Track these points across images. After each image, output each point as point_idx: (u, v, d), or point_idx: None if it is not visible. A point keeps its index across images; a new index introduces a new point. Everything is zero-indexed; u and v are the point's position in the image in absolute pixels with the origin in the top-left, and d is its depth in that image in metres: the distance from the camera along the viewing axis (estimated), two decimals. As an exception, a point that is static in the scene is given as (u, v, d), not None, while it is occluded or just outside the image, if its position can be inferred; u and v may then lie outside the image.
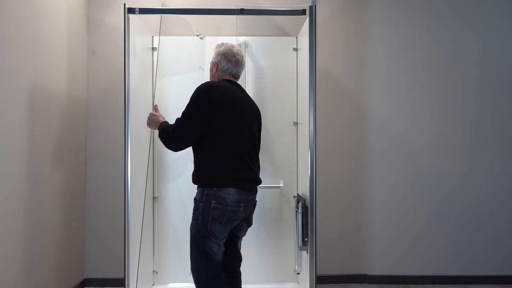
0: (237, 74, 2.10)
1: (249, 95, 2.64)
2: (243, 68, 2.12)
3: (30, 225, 2.29)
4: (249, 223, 2.10)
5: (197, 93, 1.90)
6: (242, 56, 2.10)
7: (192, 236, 1.92)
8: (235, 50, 2.07)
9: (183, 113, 1.92)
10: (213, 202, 1.86)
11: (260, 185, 3.04)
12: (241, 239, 2.14)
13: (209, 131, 1.88)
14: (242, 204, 1.91)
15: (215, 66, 2.09)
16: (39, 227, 2.38)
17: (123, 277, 2.37)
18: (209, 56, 2.58)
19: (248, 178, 1.93)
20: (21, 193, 2.20)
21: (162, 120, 2.08)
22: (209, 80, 2.12)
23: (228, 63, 2.05)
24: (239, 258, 2.15)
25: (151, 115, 2.12)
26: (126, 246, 2.37)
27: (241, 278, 2.17)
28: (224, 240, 1.96)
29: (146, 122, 2.16)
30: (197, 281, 1.93)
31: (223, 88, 1.92)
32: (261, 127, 2.17)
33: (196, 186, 1.97)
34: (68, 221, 2.75)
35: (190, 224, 1.96)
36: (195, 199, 1.95)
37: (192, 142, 1.92)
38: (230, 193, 1.87)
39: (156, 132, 2.63)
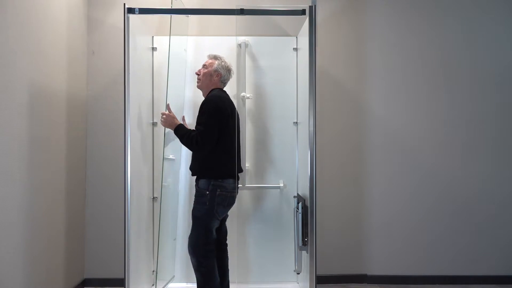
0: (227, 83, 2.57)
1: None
2: None
3: (30, 224, 2.29)
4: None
5: (213, 106, 2.31)
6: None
7: (197, 217, 2.34)
8: (231, 65, 2.54)
9: (204, 123, 2.28)
10: (218, 190, 2.32)
11: (260, 185, 3.06)
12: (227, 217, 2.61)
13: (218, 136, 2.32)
14: (237, 189, 2.44)
15: (217, 75, 2.46)
16: (39, 226, 2.38)
17: (123, 277, 2.37)
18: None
19: (237, 170, 2.42)
20: (21, 193, 2.20)
21: (177, 122, 2.40)
22: (202, 80, 2.48)
23: (228, 75, 2.51)
24: (226, 232, 2.60)
25: (166, 115, 2.41)
26: (126, 246, 2.37)
27: (227, 254, 2.60)
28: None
29: (160, 121, 2.45)
30: (193, 253, 2.32)
31: (226, 100, 2.39)
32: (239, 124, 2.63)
33: (195, 177, 2.41)
34: (68, 221, 2.76)
35: (190, 218, 2.39)
36: (199, 187, 2.35)
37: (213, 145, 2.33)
38: (230, 183, 2.37)
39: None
